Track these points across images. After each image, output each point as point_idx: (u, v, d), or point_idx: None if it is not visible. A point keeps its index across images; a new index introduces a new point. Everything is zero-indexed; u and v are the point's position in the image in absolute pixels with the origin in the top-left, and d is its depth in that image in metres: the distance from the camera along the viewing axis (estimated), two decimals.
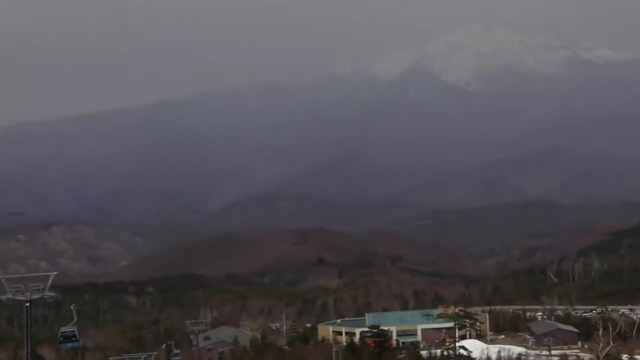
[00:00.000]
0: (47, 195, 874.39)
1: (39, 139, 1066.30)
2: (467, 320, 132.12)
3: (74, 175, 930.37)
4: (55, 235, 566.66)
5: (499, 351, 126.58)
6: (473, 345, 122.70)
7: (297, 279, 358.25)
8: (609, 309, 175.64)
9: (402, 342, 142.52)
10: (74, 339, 56.62)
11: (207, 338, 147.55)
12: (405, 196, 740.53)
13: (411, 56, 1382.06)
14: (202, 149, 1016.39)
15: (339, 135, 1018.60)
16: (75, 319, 55.51)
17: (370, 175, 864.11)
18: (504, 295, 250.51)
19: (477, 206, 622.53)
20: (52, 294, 53.71)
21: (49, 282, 52.11)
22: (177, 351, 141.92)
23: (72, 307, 53.74)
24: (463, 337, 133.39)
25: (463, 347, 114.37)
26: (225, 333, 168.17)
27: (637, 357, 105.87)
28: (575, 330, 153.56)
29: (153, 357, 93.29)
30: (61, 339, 57.26)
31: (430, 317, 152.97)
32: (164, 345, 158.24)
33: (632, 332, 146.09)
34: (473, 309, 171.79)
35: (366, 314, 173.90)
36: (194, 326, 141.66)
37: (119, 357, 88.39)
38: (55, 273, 54.78)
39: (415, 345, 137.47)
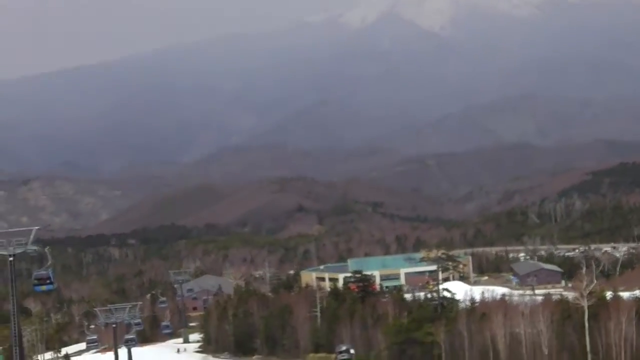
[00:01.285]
0: (23, 152, 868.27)
1: (12, 97, 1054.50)
2: (449, 263, 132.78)
3: (47, 132, 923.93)
4: (35, 190, 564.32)
5: (482, 292, 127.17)
6: (457, 287, 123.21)
7: (278, 228, 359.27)
8: (592, 248, 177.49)
9: (386, 287, 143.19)
10: (48, 281, 55.68)
11: (190, 290, 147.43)
12: (382, 143, 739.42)
13: (383, 3, 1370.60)
14: (174, 102, 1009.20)
15: (313, 84, 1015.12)
16: (50, 261, 54.51)
17: (346, 122, 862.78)
18: (485, 237, 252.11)
19: (455, 151, 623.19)
20: (35, 247, 53.04)
21: (32, 236, 51.81)
22: (164, 299, 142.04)
23: (45, 250, 52.73)
24: (446, 280, 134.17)
25: (447, 290, 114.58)
26: (209, 282, 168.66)
27: (620, 294, 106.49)
28: (559, 269, 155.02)
29: (138, 307, 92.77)
30: (35, 281, 56.39)
31: (413, 261, 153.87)
32: (149, 295, 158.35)
33: (615, 270, 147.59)
34: (455, 252, 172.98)
35: (348, 260, 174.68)
36: (178, 276, 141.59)
37: (104, 308, 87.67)
38: (37, 227, 54.19)
39: (398, 289, 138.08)
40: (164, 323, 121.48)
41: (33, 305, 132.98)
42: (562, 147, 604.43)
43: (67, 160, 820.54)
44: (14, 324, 54.89)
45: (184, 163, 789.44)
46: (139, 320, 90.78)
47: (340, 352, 11.21)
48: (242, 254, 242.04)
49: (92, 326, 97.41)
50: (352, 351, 11.55)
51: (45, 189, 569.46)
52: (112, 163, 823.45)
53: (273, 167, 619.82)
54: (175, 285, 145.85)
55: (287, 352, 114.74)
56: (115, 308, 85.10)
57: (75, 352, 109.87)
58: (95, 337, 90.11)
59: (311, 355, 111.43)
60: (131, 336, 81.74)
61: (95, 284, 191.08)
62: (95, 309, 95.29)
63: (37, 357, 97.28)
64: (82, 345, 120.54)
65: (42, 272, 56.06)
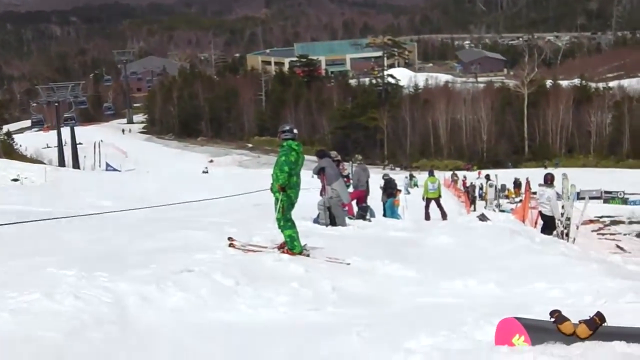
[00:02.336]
0: None
1: None
2: (395, 49, 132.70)
3: None
4: None
5: (426, 79, 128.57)
6: (401, 74, 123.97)
7: (225, 9, 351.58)
8: (535, 37, 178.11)
9: (331, 72, 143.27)
10: None
11: (133, 72, 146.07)
12: None
13: None
14: None
15: None
16: None
17: None
18: (432, 24, 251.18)
19: None
20: None
21: None
22: (109, 77, 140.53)
23: None
24: (391, 66, 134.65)
25: (391, 76, 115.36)
26: (153, 63, 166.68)
27: (560, 82, 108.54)
28: (502, 57, 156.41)
29: (81, 86, 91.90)
30: None
31: (359, 46, 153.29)
32: (92, 74, 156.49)
33: (557, 59, 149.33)
34: (402, 38, 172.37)
35: (295, 44, 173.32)
36: (121, 56, 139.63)
37: (46, 86, 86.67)
38: None
39: (344, 74, 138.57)
40: (106, 104, 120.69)
41: None
42: None
43: None
44: None
45: None
46: (84, 99, 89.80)
47: (284, 132, 11.19)
48: (187, 35, 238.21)
49: (34, 104, 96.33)
50: (295, 131, 11.61)
51: None
52: None
53: None
54: (119, 66, 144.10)
55: (231, 135, 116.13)
56: (58, 86, 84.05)
57: (17, 130, 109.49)
58: (40, 116, 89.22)
59: (255, 138, 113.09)
60: (70, 114, 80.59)
61: (36, 62, 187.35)
62: (37, 86, 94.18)
63: None
64: (24, 123, 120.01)
65: None
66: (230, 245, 10.60)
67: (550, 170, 42.13)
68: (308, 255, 10.70)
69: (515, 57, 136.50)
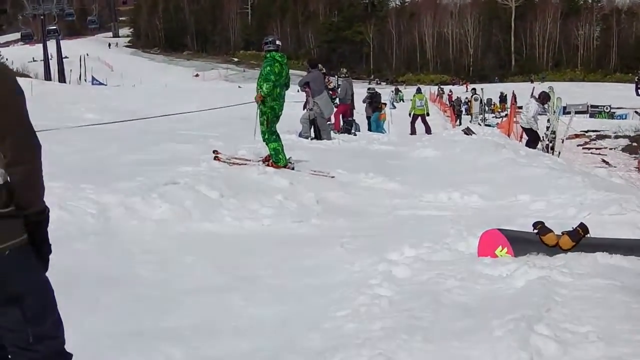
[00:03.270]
0: None
1: None
2: None
3: None
4: None
5: None
6: None
7: None
8: None
9: None
10: None
11: None
12: None
13: None
14: None
15: None
16: None
17: None
18: None
19: None
20: None
21: None
22: None
23: None
24: None
25: None
26: None
27: None
28: None
29: None
30: None
31: None
32: None
33: None
34: None
35: None
36: None
37: None
38: None
39: None
40: (90, 17, 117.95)
41: None
42: None
43: None
44: None
45: None
46: (71, 11, 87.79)
47: (266, 43, 11.08)
48: None
49: (20, 17, 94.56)
50: (278, 42, 11.46)
51: None
52: None
53: None
54: None
55: (217, 48, 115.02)
56: None
57: (3, 44, 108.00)
58: (30, 30, 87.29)
59: (241, 52, 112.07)
60: (54, 27, 78.47)
61: None
62: None
63: None
64: (10, 37, 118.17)
65: None
66: (216, 158, 10.58)
67: (537, 84, 42.06)
68: (292, 169, 10.71)
69: None
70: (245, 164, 10.60)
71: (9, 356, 2.98)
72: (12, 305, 2.83)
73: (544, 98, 17.59)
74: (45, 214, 2.95)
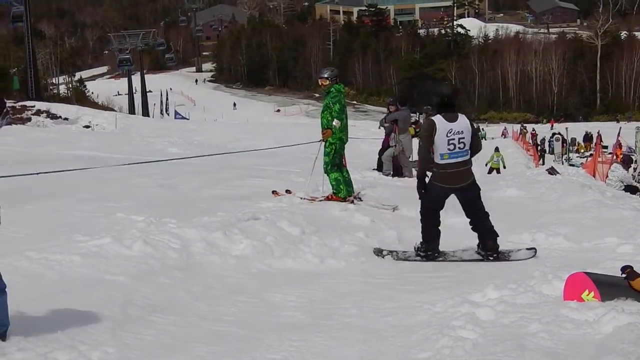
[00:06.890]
0: None
1: None
2: None
3: None
4: None
5: (496, 30, 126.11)
6: (471, 24, 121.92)
7: None
8: None
9: (400, 22, 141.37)
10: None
11: (199, 30, 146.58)
12: None
13: None
14: None
15: None
16: None
17: None
18: None
19: None
20: None
21: None
22: (183, 18, 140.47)
23: None
24: (461, 16, 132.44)
25: (461, 26, 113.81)
26: (223, 11, 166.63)
27: (635, 33, 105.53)
28: (575, 7, 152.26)
29: (152, 33, 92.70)
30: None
31: None
32: (162, 22, 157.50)
33: (632, 9, 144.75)
34: None
35: None
36: (192, 4, 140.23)
37: (118, 33, 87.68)
38: None
39: (412, 24, 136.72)
40: (167, 55, 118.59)
41: (47, 28, 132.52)
42: None
43: None
44: (28, 45, 55.23)
45: None
46: (162, 41, 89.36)
47: (334, 77, 11.04)
48: None
49: (106, 52, 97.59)
50: (329, 73, 11.32)
51: None
52: None
53: None
54: (189, 13, 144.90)
55: (298, 84, 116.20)
56: (129, 34, 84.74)
57: (89, 77, 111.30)
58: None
59: None
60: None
61: (108, 9, 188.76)
62: (109, 34, 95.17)
63: (51, 80, 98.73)
64: (96, 71, 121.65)
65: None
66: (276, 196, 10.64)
67: (623, 124, 41.20)
68: (353, 202, 10.54)
69: (588, 7, 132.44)
70: (322, 200, 10.56)
71: None
72: None
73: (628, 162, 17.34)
74: None
